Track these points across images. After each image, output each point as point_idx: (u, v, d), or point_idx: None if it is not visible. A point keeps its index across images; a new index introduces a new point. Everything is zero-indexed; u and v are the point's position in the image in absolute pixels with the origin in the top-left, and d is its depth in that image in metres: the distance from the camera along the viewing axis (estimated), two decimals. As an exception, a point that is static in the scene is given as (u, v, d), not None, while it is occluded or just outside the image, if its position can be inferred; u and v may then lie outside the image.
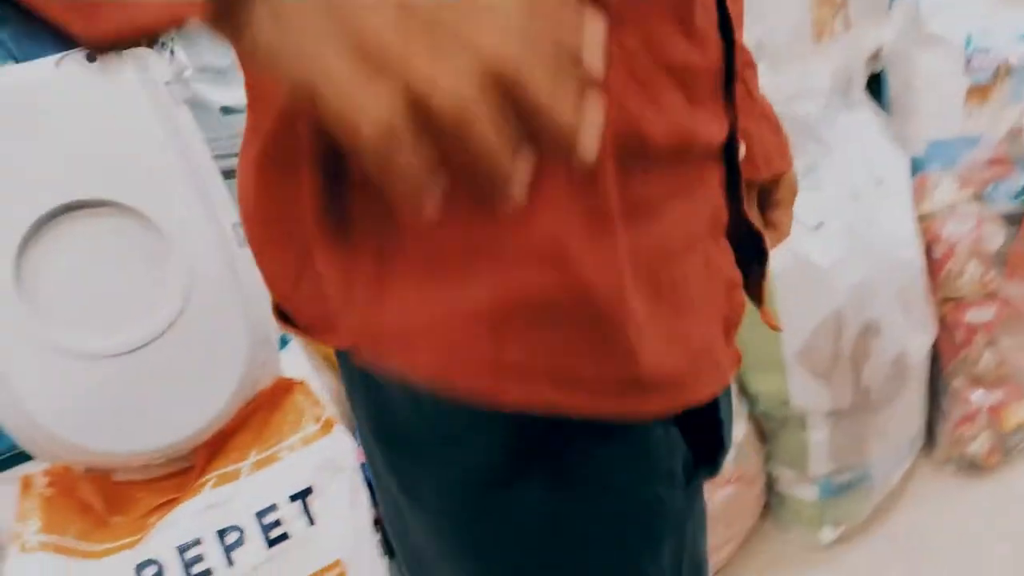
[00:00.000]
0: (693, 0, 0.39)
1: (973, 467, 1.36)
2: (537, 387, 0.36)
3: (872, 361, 1.16)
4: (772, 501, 1.35)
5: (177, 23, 0.23)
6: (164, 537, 0.84)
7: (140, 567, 0.82)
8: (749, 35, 1.42)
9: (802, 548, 1.30)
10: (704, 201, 0.43)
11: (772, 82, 1.11)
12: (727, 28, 0.42)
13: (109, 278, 0.86)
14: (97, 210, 0.85)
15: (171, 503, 0.87)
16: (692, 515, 0.47)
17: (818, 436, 1.21)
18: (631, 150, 0.36)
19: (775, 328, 0.52)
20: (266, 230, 0.41)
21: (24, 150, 0.81)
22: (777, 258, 1.10)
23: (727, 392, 0.47)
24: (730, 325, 0.45)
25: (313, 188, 0.36)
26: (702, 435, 0.45)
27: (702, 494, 0.49)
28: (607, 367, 0.37)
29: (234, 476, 0.88)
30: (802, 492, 1.28)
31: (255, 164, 0.39)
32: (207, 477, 0.88)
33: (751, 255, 0.49)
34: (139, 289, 0.86)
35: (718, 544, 1.23)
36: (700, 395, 0.42)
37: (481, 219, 0.33)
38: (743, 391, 1.27)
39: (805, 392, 1.18)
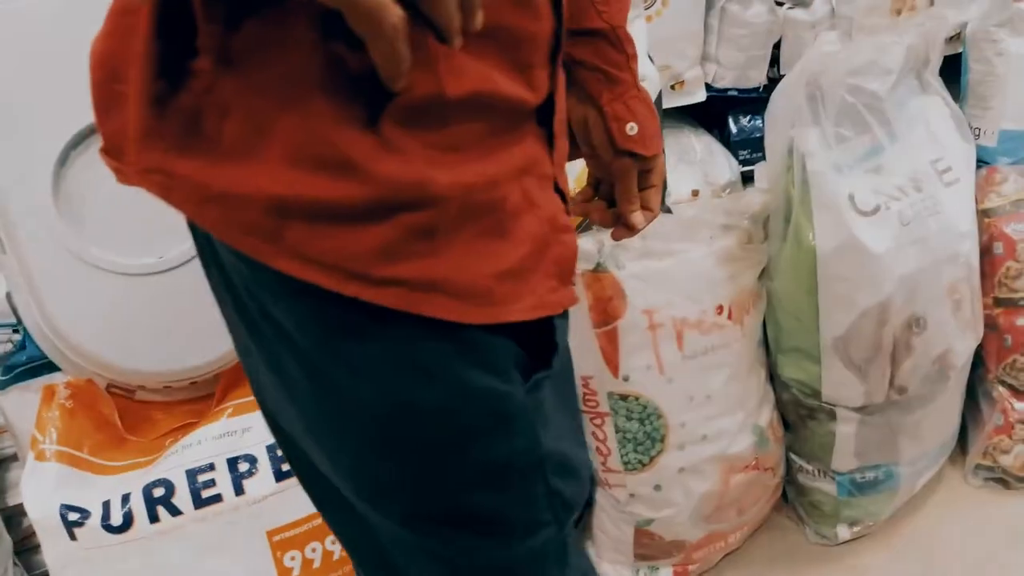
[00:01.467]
0: None
1: (1002, 480, 1.32)
2: (312, 269, 0.41)
3: (913, 358, 1.12)
4: (789, 492, 1.32)
5: None
6: (177, 459, 0.85)
7: (150, 486, 0.83)
8: (824, 0, 1.35)
9: (815, 544, 1.28)
10: (518, 148, 0.46)
11: (843, 53, 1.05)
12: (558, 5, 0.48)
13: (143, 199, 0.86)
14: (137, 130, 0.84)
15: (188, 427, 0.88)
16: (540, 416, 0.49)
17: (845, 431, 1.18)
18: (430, 101, 0.41)
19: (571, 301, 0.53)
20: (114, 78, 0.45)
21: (62, 68, 0.81)
22: (826, 240, 1.06)
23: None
24: (562, 264, 0.48)
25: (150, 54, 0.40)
26: (533, 337, 0.48)
27: (552, 398, 0.50)
28: (386, 267, 0.41)
29: (252, 407, 0.88)
30: (822, 486, 1.25)
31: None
32: (225, 405, 0.89)
33: None
34: (171, 212, 0.86)
35: (729, 529, 1.21)
36: (510, 315, 0.45)
37: (296, 124, 0.39)
38: (772, 376, 1.23)
39: (838, 383, 1.14)
